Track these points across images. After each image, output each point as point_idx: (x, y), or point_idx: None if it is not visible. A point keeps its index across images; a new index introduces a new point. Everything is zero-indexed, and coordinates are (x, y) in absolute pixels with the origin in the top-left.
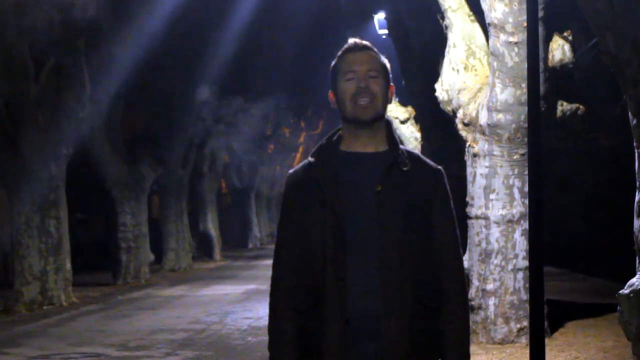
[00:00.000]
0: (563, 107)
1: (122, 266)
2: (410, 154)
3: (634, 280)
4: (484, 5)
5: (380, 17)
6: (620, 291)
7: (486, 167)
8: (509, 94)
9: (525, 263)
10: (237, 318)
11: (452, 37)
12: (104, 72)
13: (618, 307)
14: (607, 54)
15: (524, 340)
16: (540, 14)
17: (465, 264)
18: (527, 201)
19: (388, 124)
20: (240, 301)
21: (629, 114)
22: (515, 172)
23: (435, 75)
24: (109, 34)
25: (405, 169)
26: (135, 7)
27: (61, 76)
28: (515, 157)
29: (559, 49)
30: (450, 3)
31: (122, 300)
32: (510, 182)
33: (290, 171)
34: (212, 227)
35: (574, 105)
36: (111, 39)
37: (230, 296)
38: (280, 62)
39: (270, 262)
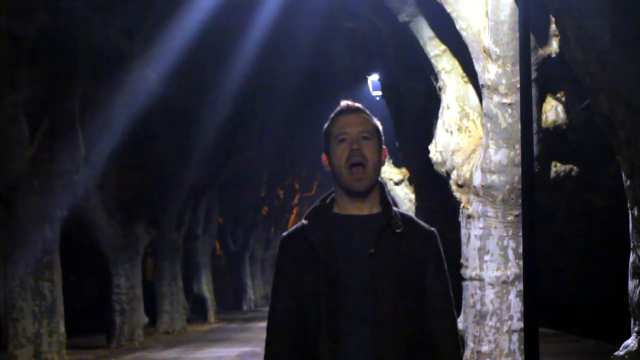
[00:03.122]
0: (557, 168)
1: (116, 329)
2: (403, 216)
3: (629, 341)
4: (477, 67)
5: (374, 78)
6: (615, 353)
7: (480, 228)
8: (502, 155)
9: (521, 324)
10: None
11: (446, 99)
12: (98, 135)
13: None
14: (601, 115)
15: None
16: (533, 75)
17: (460, 325)
18: (521, 262)
19: (381, 187)
20: None
21: (623, 174)
22: (510, 233)
23: (429, 136)
24: (103, 96)
25: (398, 231)
26: (127, 70)
27: (55, 138)
28: (509, 218)
29: (553, 110)
30: (444, 65)
31: None
32: (505, 243)
33: (284, 234)
34: (206, 289)
35: (568, 166)
36: (105, 101)
37: (225, 359)
38: (274, 124)
39: (264, 324)
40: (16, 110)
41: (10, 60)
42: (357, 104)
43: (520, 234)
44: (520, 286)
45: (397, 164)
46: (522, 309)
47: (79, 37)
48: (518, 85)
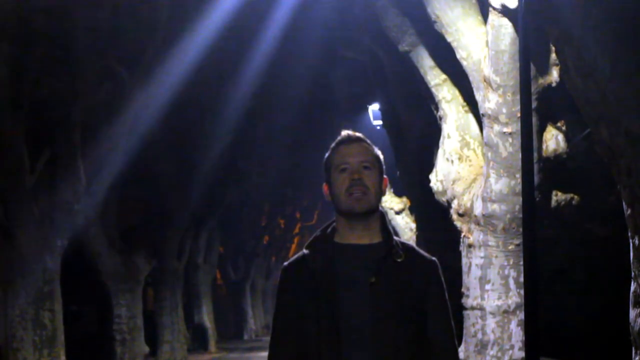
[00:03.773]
0: (557, 197)
1: (116, 358)
2: (404, 245)
3: None
4: (478, 96)
5: (374, 107)
6: None
7: (481, 257)
8: (503, 185)
9: (522, 354)
10: None
11: (447, 128)
12: (99, 164)
13: None
14: (601, 144)
15: None
16: (534, 104)
17: (461, 355)
18: (522, 291)
19: (382, 216)
20: None
21: (623, 203)
22: (511, 263)
23: (429, 165)
24: (104, 126)
25: (399, 260)
26: (128, 100)
27: (56, 168)
28: (510, 247)
29: (553, 139)
30: (444, 94)
31: None
32: (506, 272)
33: (285, 263)
34: (207, 319)
35: (569, 195)
36: (105, 131)
37: None
38: (275, 153)
39: (265, 354)
40: (17, 139)
41: (11, 90)
42: (357, 134)
43: (521, 263)
44: (522, 315)
45: (398, 193)
46: (524, 338)
47: (79, 67)
48: (518, 115)
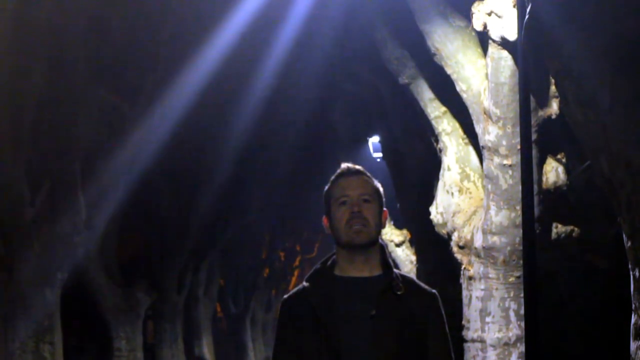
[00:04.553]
0: (558, 229)
1: None
2: (404, 277)
3: None
4: (478, 129)
5: (374, 140)
6: None
7: (482, 289)
8: (503, 217)
9: None
10: None
11: (447, 160)
12: (99, 197)
13: None
14: (601, 177)
15: None
16: (534, 136)
17: None
18: (523, 324)
19: (382, 249)
20: None
21: (624, 236)
22: (511, 295)
23: (430, 198)
24: (104, 159)
25: (399, 293)
26: (128, 133)
27: (56, 201)
28: (510, 279)
29: (553, 172)
30: (444, 126)
31: None
32: (506, 304)
33: (285, 296)
34: (207, 352)
35: (569, 227)
36: (106, 164)
37: None
38: (275, 185)
39: None
40: (17, 172)
41: (12, 123)
42: (357, 167)
43: (522, 295)
44: (522, 348)
45: (398, 226)
46: None
47: (80, 101)
48: (518, 147)
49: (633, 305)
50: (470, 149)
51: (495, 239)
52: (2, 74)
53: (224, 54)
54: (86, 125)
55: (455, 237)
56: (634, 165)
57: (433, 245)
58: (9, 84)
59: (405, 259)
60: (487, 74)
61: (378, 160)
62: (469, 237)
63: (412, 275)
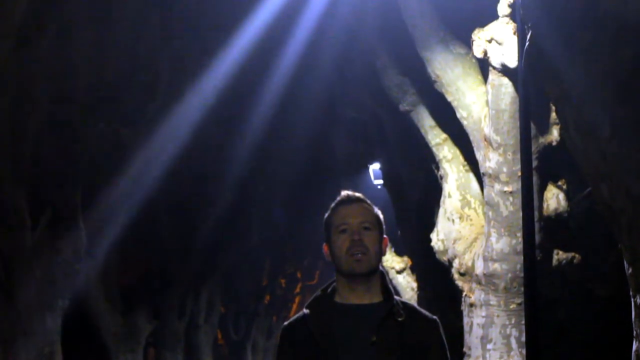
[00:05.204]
0: (559, 256)
1: None
2: (405, 304)
3: None
4: (478, 155)
5: (375, 167)
6: None
7: (483, 316)
8: (504, 244)
9: None
10: None
11: (447, 187)
12: (100, 223)
13: None
14: (602, 203)
15: None
16: (534, 163)
17: None
18: (524, 351)
19: (382, 276)
20: None
21: (625, 262)
22: (512, 322)
23: (430, 225)
24: (105, 185)
25: (400, 319)
26: (129, 160)
27: (57, 227)
28: (512, 306)
29: (554, 198)
30: (445, 153)
31: None
32: (507, 331)
33: (285, 323)
34: None
35: (570, 254)
36: (107, 190)
37: None
38: (275, 212)
39: None
40: (18, 198)
41: (13, 148)
42: (357, 194)
43: (523, 322)
44: None
45: (399, 253)
46: None
47: (80, 128)
48: (519, 174)
49: (634, 332)
50: (471, 175)
51: (496, 265)
52: (3, 102)
53: (224, 82)
54: (87, 152)
55: (456, 264)
56: (634, 192)
57: (434, 272)
58: (9, 111)
59: (406, 286)
60: (487, 101)
61: (379, 187)
62: (469, 264)
63: (413, 302)
